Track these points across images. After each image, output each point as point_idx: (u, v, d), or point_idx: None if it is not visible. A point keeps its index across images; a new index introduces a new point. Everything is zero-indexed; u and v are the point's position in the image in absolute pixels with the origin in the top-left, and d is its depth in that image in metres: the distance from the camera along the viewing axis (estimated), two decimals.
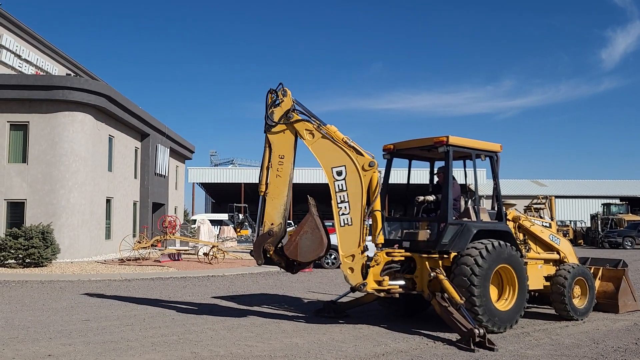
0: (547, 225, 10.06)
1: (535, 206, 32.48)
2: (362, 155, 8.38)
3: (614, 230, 36.91)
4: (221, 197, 64.66)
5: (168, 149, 31.88)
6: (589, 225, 40.70)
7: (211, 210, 66.51)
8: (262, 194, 8.58)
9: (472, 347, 6.95)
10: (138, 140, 28.26)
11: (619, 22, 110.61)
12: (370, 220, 8.45)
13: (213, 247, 20.52)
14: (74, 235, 21.13)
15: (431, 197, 8.93)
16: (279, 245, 8.59)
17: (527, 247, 9.37)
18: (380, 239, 8.30)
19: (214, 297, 11.70)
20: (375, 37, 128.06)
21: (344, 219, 8.25)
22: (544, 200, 31.94)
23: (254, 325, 8.59)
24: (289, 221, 47.40)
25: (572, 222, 44.10)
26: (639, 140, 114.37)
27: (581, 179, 61.26)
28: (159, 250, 22.83)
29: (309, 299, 11.52)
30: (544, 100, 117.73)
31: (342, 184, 8.30)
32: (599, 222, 38.19)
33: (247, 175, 53.16)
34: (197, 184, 54.50)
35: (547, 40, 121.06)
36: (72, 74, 28.20)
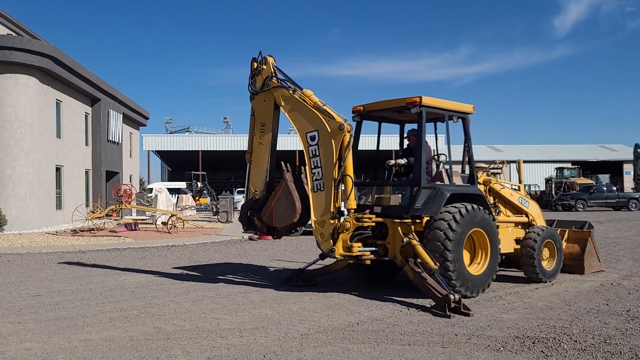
0: (516, 188, 9.96)
1: (492, 171, 32.94)
2: (333, 119, 7.99)
3: (567, 193, 38.02)
4: (178, 165, 63.14)
5: (121, 115, 30.55)
6: (544, 189, 41.81)
7: (168, 179, 64.96)
8: (249, 161, 8.83)
9: (448, 313, 6.77)
10: (88, 106, 26.91)
11: None
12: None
13: (172, 216, 19.86)
14: (21, 206, 20.04)
15: (402, 161, 8.64)
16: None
17: (497, 211, 9.24)
18: (352, 204, 7.97)
19: (176, 268, 11.21)
20: (333, 2, 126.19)
21: (317, 185, 8.06)
22: (500, 165, 32.43)
23: (219, 296, 8.19)
24: None
25: (527, 186, 45.21)
26: (590, 106, 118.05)
27: (535, 144, 62.81)
28: (115, 220, 21.98)
29: (275, 268, 11.19)
30: (499, 67, 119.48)
31: (315, 149, 8.10)
32: (553, 185, 39.27)
33: (205, 142, 51.88)
34: (153, 151, 52.82)
35: (504, 7, 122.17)
36: (14, 35, 26.38)
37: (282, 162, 8.59)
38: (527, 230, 9.29)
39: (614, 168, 55.15)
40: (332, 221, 7.89)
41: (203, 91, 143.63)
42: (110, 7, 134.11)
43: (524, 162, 52.53)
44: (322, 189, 8.01)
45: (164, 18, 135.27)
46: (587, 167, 52.60)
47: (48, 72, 21.25)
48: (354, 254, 7.94)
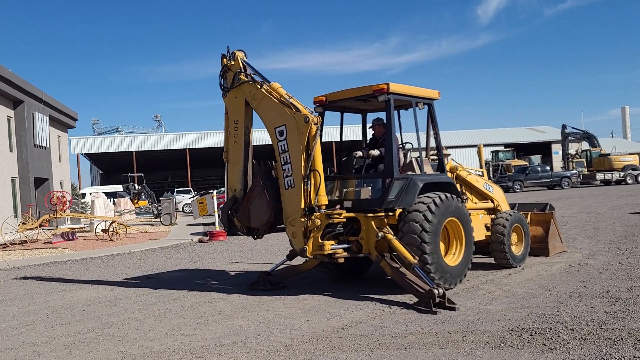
0: (480, 174, 9.84)
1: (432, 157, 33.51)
2: (299, 111, 7.49)
3: (504, 175, 39.28)
4: (110, 167, 60.34)
5: (47, 117, 28.58)
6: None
7: (100, 183, 62.02)
8: (226, 160, 8.49)
9: (434, 309, 6.46)
10: (10, 108, 24.93)
11: None
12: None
13: (113, 222, 18.68)
14: None
15: (376, 152, 8.24)
16: None
17: (465, 198, 9.06)
18: (323, 200, 7.50)
19: (127, 279, 10.37)
20: None
21: (287, 181, 7.61)
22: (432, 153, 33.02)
23: (183, 308, 7.53)
24: (187, 189, 45.47)
25: None
26: (516, 90, 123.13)
27: (467, 129, 64.63)
28: (48, 230, 20.47)
29: (235, 271, 10.57)
30: (427, 55, 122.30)
31: (284, 145, 7.66)
32: (490, 168, 40.45)
33: (138, 142, 49.70)
34: (82, 154, 50.12)
35: None
36: None
37: (253, 160, 8.25)
38: (494, 216, 9.17)
39: (543, 149, 57.59)
40: (302, 219, 7.43)
41: (130, 89, 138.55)
42: (26, 7, 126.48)
43: (459, 147, 54.06)
44: (292, 185, 7.55)
45: (84, 17, 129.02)
46: (519, 149, 54.62)
47: None
48: (327, 252, 7.51)
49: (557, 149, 54.24)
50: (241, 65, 8.13)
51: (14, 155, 25.05)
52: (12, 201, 24.47)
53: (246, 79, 8.05)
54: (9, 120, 24.80)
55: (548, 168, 40.04)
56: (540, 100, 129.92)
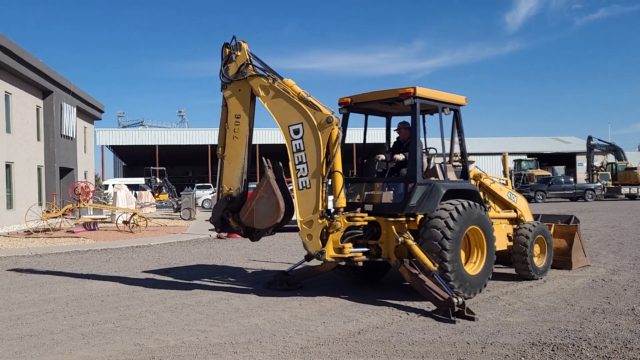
0: (504, 182, 9.69)
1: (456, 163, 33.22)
2: (319, 110, 7.42)
3: (526, 185, 38.72)
4: (133, 160, 61.09)
5: (75, 108, 29.02)
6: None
7: (122, 175, 62.81)
8: (220, 156, 8.03)
9: (452, 317, 6.37)
10: (40, 98, 25.37)
11: None
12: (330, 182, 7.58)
13: (134, 214, 18.87)
14: None
15: (401, 156, 8.15)
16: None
17: (488, 206, 8.92)
18: (342, 203, 7.45)
19: (145, 272, 10.44)
20: None
21: (302, 182, 7.43)
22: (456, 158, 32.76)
23: (200, 304, 7.55)
24: (207, 184, 45.81)
25: None
26: (542, 99, 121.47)
27: (491, 137, 63.87)
28: (71, 219, 20.77)
29: (253, 269, 10.58)
30: (453, 60, 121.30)
31: (299, 144, 7.46)
32: (512, 177, 39.89)
33: (162, 136, 50.29)
34: (107, 146, 50.85)
35: (458, 2, 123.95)
36: None
37: (263, 158, 7.91)
38: (518, 226, 9.02)
39: (567, 160, 56.66)
40: (320, 221, 7.35)
41: (156, 84, 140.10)
42: None
43: (482, 154, 53.47)
44: (308, 186, 7.41)
45: (114, 9, 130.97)
46: (542, 159, 53.81)
47: None
48: (346, 256, 7.45)
49: (581, 160, 53.29)
50: (247, 57, 7.81)
51: (41, 145, 25.49)
52: (37, 189, 24.91)
53: (255, 72, 7.76)
54: (37, 110, 25.24)
55: (572, 179, 39.31)
56: (566, 110, 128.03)
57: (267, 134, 46.23)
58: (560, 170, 46.04)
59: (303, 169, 7.44)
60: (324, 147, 7.39)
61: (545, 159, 54.90)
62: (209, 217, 8.05)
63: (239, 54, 7.84)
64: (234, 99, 7.93)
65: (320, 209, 7.36)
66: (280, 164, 7.98)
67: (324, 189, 7.41)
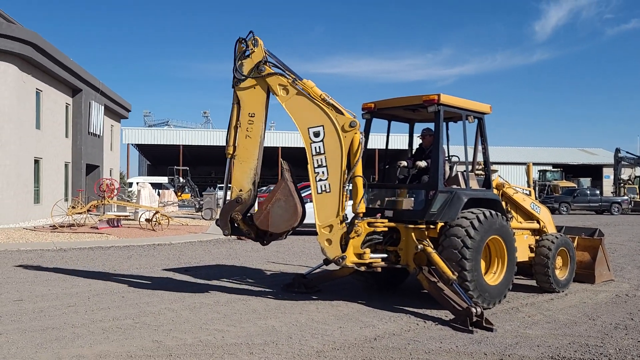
0: (527, 193, 9.57)
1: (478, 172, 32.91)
2: (342, 114, 7.40)
3: (550, 196, 38.13)
4: (158, 159, 61.92)
5: (102, 107, 29.55)
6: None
7: (147, 173, 63.71)
8: (230, 156, 7.65)
9: (470, 327, 6.31)
10: (69, 96, 25.91)
11: None
12: (350, 186, 7.57)
13: (156, 212, 19.12)
14: None
15: (423, 163, 8.12)
16: (248, 214, 7.67)
17: (510, 216, 8.82)
18: (362, 208, 7.43)
19: (166, 270, 10.57)
20: (317, 0, 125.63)
21: (321, 186, 7.30)
22: (479, 167, 32.43)
23: (218, 303, 7.62)
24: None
25: None
26: (569, 109, 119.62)
27: (516, 146, 63.08)
28: (95, 215, 21.14)
29: (271, 271, 10.63)
30: (480, 68, 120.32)
31: (319, 147, 7.31)
32: (537, 188, 39.34)
33: (186, 136, 50.87)
34: (132, 145, 51.64)
35: (486, 10, 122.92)
36: None
37: (281, 160, 7.75)
38: (540, 237, 8.90)
39: (593, 171, 55.68)
40: (341, 226, 7.33)
41: (182, 84, 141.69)
42: None
43: (506, 164, 52.87)
44: (327, 190, 7.29)
45: (143, 10, 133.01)
46: (568, 170, 52.99)
47: (28, 59, 20.29)
48: (366, 262, 7.43)
49: (608, 172, 52.35)
50: (264, 54, 7.54)
51: (69, 141, 26.01)
52: (64, 185, 25.41)
53: (273, 71, 7.49)
54: (66, 107, 25.77)
55: (598, 192, 38.57)
56: (594, 121, 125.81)
57: (287, 137, 46.49)
58: (586, 182, 45.28)
59: (323, 172, 7.32)
60: (345, 151, 7.34)
61: (571, 171, 54.05)
62: (216, 219, 7.70)
63: (255, 50, 7.54)
64: (249, 96, 7.61)
65: (341, 213, 7.31)
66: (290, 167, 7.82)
67: (345, 193, 7.38)
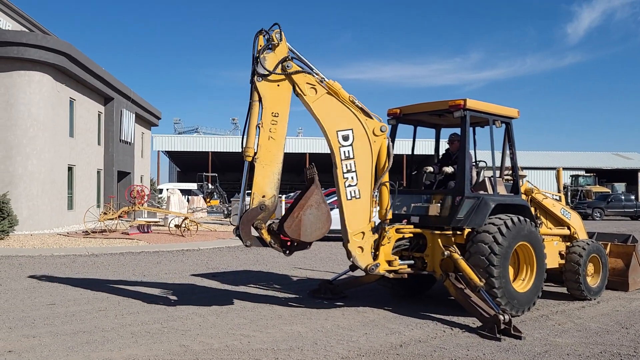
0: (557, 198, 9.40)
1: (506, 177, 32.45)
2: (370, 118, 7.32)
3: (583, 201, 37.27)
4: (187, 166, 62.85)
5: (133, 114, 30.16)
6: None
7: (177, 180, 64.70)
8: (250, 159, 6.91)
9: (498, 335, 6.22)
10: (101, 104, 26.52)
11: None
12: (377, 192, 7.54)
13: (185, 218, 19.38)
14: (33, 206, 19.63)
15: (450, 169, 8.05)
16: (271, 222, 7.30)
17: (539, 222, 8.68)
18: (390, 214, 7.40)
19: (194, 275, 10.71)
20: (344, 7, 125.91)
21: (351, 192, 7.13)
22: (507, 172, 31.90)
23: (245, 309, 7.68)
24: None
25: None
26: (603, 113, 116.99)
27: (547, 151, 61.95)
28: (126, 221, 21.55)
29: (298, 277, 10.66)
30: (509, 73, 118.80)
31: (348, 151, 7.12)
32: (569, 193, 38.52)
33: (215, 143, 51.55)
34: (162, 152, 52.56)
35: (516, 13, 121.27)
36: (27, 31, 26.06)
37: (312, 164, 7.30)
38: (570, 243, 8.72)
39: (628, 176, 54.25)
40: (372, 232, 7.27)
41: (211, 92, 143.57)
42: (119, 7, 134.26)
43: (536, 169, 51.92)
44: (357, 196, 7.17)
45: (173, 18, 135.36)
46: (601, 175, 51.74)
47: (62, 69, 20.86)
48: (396, 269, 7.37)
49: None
50: (288, 50, 7.01)
51: (101, 149, 26.61)
52: (96, 192, 25.99)
53: (300, 68, 7.00)
54: (99, 115, 26.39)
55: (633, 197, 37.50)
56: (628, 125, 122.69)
57: (314, 143, 46.57)
58: (620, 187, 44.15)
59: (352, 177, 7.13)
60: (375, 156, 7.26)
61: (604, 175, 52.75)
62: (233, 231, 6.97)
63: (280, 44, 6.94)
64: (273, 94, 6.94)
65: (372, 220, 7.20)
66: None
67: (375, 199, 7.30)
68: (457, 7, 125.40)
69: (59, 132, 21.39)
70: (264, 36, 6.93)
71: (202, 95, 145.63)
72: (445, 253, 7.25)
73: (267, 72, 6.85)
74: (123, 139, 28.33)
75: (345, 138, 7.14)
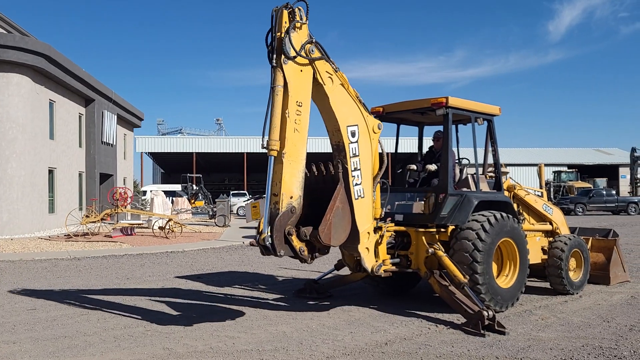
0: (539, 194, 9.48)
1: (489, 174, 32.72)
2: (370, 114, 7.03)
3: (565, 197, 37.73)
4: (171, 167, 62.37)
5: (115, 116, 29.85)
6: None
7: (161, 181, 64.16)
8: (276, 154, 6.04)
9: (482, 331, 6.25)
10: (82, 106, 26.21)
11: None
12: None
13: (169, 220, 19.23)
14: (13, 210, 19.34)
15: (433, 167, 8.07)
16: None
17: (522, 218, 8.74)
18: (381, 212, 7.20)
19: (178, 277, 10.62)
20: (330, 5, 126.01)
21: (357, 190, 6.67)
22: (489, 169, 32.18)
23: (229, 310, 7.63)
24: (242, 192, 45.75)
25: None
26: (585, 109, 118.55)
27: (530, 147, 62.64)
28: (109, 224, 21.33)
29: (283, 277, 10.63)
30: (494, 70, 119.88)
31: (355, 148, 6.68)
32: (551, 189, 38.95)
33: (199, 144, 51.23)
34: (146, 153, 52.08)
35: (500, 11, 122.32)
36: (6, 32, 25.65)
37: (338, 160, 6.66)
38: (553, 239, 8.80)
39: (609, 172, 55.02)
40: (374, 232, 6.98)
41: (194, 93, 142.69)
42: (101, 8, 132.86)
43: (519, 165, 52.46)
44: (362, 195, 6.69)
45: (155, 19, 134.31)
46: (583, 171, 52.41)
47: (41, 71, 20.58)
48: (388, 267, 7.32)
49: (625, 172, 51.72)
50: (308, 34, 6.37)
51: (82, 151, 26.30)
52: (78, 194, 25.68)
53: (321, 55, 6.42)
54: (80, 117, 26.07)
55: (614, 192, 38.06)
56: (609, 121, 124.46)
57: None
58: (602, 182, 44.75)
59: (358, 176, 6.71)
60: (374, 153, 6.98)
61: (586, 171, 53.44)
62: (263, 236, 5.99)
63: (303, 26, 6.26)
64: (298, 80, 6.20)
65: (373, 219, 6.93)
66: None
67: (374, 198, 7.00)
68: (442, 5, 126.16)
69: (39, 134, 21.09)
70: (289, 13, 6.17)
71: (186, 96, 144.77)
72: (430, 250, 7.26)
73: (295, 54, 6.15)
74: (105, 140, 28.03)
75: (353, 134, 6.73)
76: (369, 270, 6.83)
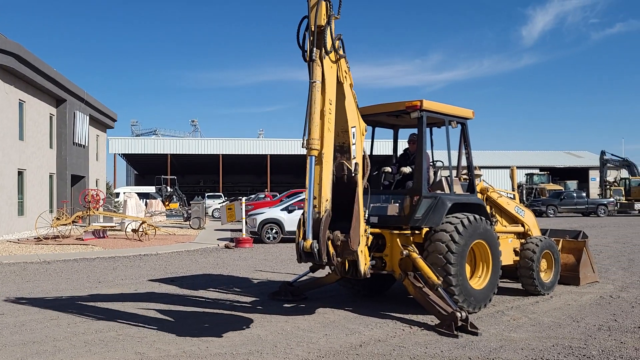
0: (512, 197, 9.63)
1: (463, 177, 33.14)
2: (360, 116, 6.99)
3: (537, 199, 38.41)
4: (145, 168, 61.53)
5: (87, 117, 29.35)
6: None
7: (134, 183, 63.27)
8: (317, 153, 5.75)
9: (455, 332, 6.31)
10: (53, 107, 25.71)
11: (540, 0, 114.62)
12: None
13: (142, 222, 18.97)
14: None
15: (408, 169, 8.13)
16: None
17: (495, 220, 8.86)
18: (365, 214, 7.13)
19: (151, 280, 10.48)
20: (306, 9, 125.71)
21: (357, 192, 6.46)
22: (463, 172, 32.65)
23: (204, 313, 7.56)
24: (218, 194, 45.63)
25: None
26: (556, 113, 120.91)
27: (503, 150, 63.57)
28: (81, 227, 20.94)
29: (259, 279, 10.58)
30: (468, 74, 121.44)
31: (354, 150, 6.57)
32: (524, 191, 39.62)
33: (174, 145, 50.65)
34: (119, 154, 51.27)
35: (474, 16, 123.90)
36: None
37: (340, 161, 6.46)
38: (525, 240, 8.95)
39: (580, 174, 56.23)
40: (366, 234, 6.88)
41: (170, 93, 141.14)
42: (76, 8, 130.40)
43: (493, 167, 53.21)
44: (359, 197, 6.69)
45: (131, 18, 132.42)
46: (554, 173, 53.46)
47: (11, 70, 20.11)
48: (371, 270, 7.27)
49: (594, 175, 52.95)
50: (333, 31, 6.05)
51: (53, 152, 25.78)
52: (48, 196, 25.15)
53: (343, 53, 6.25)
54: (51, 117, 25.56)
55: (584, 194, 38.92)
56: (580, 125, 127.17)
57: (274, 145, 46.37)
58: (572, 184, 45.71)
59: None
60: (363, 156, 6.87)
61: (557, 174, 54.53)
62: (309, 242, 5.63)
63: (336, 19, 6.00)
64: (330, 76, 5.98)
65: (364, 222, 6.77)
66: None
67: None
68: (418, 9, 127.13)
69: (8, 135, 20.61)
70: (327, 4, 5.89)
71: (160, 97, 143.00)
72: (404, 252, 7.30)
73: (331, 49, 5.91)
74: (77, 141, 27.54)
75: (354, 135, 6.58)
76: (362, 272, 6.62)
